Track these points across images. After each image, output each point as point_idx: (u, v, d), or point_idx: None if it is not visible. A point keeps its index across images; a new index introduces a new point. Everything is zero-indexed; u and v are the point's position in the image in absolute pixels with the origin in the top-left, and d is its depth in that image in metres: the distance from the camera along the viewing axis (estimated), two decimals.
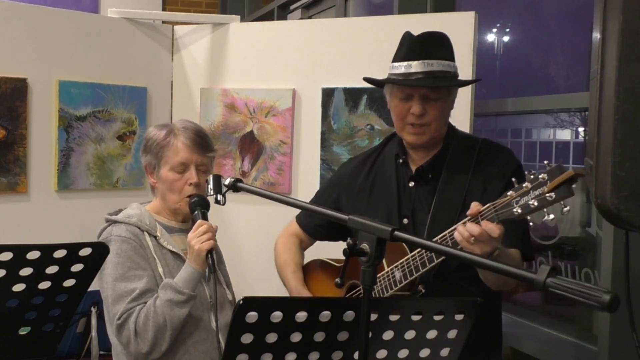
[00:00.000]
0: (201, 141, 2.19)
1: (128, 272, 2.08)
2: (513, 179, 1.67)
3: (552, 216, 1.56)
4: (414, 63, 1.94)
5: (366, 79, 2.14)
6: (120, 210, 2.23)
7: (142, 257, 2.11)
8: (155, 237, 2.15)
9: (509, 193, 1.65)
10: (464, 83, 2.07)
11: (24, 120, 2.97)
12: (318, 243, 2.38)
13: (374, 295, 1.33)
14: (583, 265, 2.80)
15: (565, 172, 1.54)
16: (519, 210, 1.61)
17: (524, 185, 1.61)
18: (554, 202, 1.55)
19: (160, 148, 2.18)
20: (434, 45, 1.97)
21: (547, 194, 1.55)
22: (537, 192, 1.58)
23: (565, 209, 1.55)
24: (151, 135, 2.23)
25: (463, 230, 1.71)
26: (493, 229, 1.67)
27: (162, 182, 2.19)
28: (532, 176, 1.60)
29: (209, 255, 2.02)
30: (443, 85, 1.97)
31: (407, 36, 2.02)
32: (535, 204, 1.58)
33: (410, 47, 1.97)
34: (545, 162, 1.59)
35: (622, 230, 1.38)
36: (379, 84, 2.10)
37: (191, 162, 2.16)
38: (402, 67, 1.96)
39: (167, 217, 2.24)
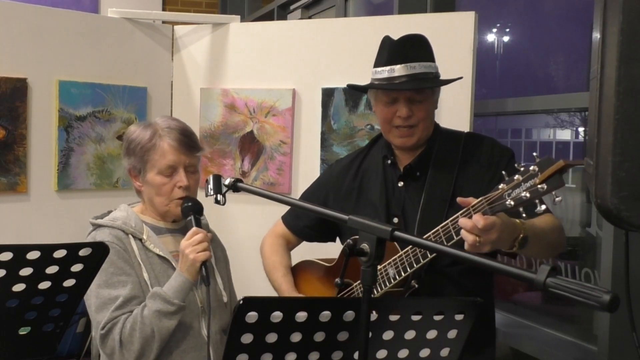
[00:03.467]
0: (188, 141, 2.09)
1: (112, 278, 1.99)
2: (503, 172, 1.67)
3: (544, 207, 1.58)
4: (397, 67, 1.97)
5: (350, 86, 2.16)
6: (109, 212, 2.16)
7: (127, 262, 2.02)
8: (140, 240, 2.06)
9: (500, 186, 1.65)
10: (447, 82, 2.07)
11: (24, 120, 2.97)
12: (305, 243, 2.37)
13: None
14: (583, 265, 2.80)
15: (556, 163, 1.55)
16: (512, 203, 1.62)
17: (515, 177, 1.62)
18: (546, 193, 1.56)
19: (145, 151, 2.07)
20: (415, 48, 1.99)
21: (539, 185, 1.56)
22: (528, 184, 1.59)
23: (557, 199, 1.56)
24: (134, 136, 2.10)
25: (464, 222, 1.66)
26: (478, 219, 1.62)
27: (150, 186, 2.09)
28: (522, 168, 1.61)
29: (203, 267, 1.95)
30: (428, 87, 2.00)
31: (387, 40, 2.04)
32: (528, 195, 1.59)
33: (392, 51, 1.99)
34: (535, 154, 1.60)
35: (622, 230, 1.38)
36: (362, 89, 2.11)
37: (179, 164, 2.06)
38: (385, 72, 1.99)
39: (156, 218, 2.15)
